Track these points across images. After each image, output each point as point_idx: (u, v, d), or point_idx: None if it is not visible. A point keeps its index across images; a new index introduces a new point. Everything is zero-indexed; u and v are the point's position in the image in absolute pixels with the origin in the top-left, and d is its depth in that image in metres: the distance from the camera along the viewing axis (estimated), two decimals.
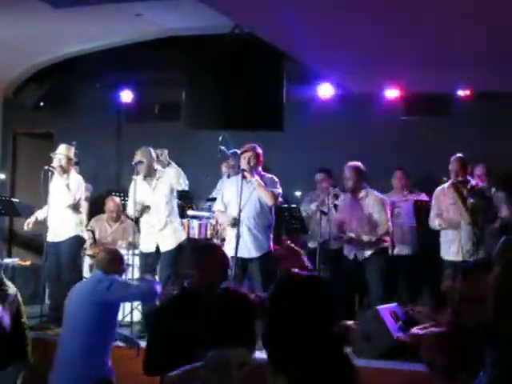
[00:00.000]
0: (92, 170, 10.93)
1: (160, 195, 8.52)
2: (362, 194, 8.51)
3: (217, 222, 9.02)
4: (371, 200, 8.48)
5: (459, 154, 8.25)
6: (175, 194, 8.80)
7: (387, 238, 8.51)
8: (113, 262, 6.02)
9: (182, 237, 8.69)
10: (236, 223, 7.87)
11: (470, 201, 8.02)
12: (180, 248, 8.51)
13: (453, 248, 8.16)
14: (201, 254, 4.78)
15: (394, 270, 9.12)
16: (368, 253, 8.32)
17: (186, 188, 9.82)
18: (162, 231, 8.52)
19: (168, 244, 8.48)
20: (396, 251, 9.17)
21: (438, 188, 8.47)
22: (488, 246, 7.62)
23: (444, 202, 8.31)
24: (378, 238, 8.36)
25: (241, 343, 3.07)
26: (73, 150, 8.93)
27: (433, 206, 8.43)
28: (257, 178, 7.96)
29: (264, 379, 2.61)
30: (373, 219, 8.40)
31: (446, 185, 8.36)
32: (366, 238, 8.34)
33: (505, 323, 2.91)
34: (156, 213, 8.53)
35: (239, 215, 7.86)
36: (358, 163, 8.53)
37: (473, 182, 8.27)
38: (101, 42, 9.99)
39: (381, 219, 8.42)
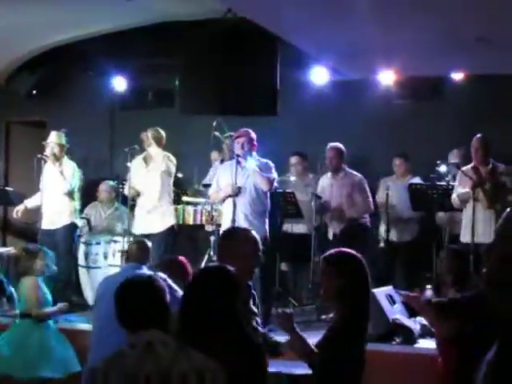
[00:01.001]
0: (85, 157, 10.89)
1: (152, 179, 8.52)
2: (342, 174, 8.77)
3: (212, 208, 8.99)
4: (351, 180, 8.72)
5: (479, 135, 8.08)
6: (170, 179, 8.77)
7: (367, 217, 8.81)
8: (145, 253, 6.04)
9: (171, 222, 8.64)
10: (239, 191, 7.86)
11: (487, 186, 7.90)
12: (167, 233, 8.45)
13: (467, 230, 8.04)
14: None
15: (393, 257, 9.14)
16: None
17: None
18: (150, 214, 8.51)
19: (155, 227, 8.45)
20: (396, 238, 9.18)
21: (463, 168, 8.21)
22: None
23: (464, 184, 8.13)
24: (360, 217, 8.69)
25: None
26: (64, 137, 8.92)
27: (456, 187, 8.29)
28: (251, 163, 7.93)
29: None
30: (353, 198, 8.62)
31: (469, 166, 8.14)
32: (347, 212, 8.59)
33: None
34: (147, 196, 8.54)
35: (234, 200, 7.85)
36: (340, 144, 8.73)
37: (491, 165, 8.10)
38: (93, 29, 9.92)
39: (361, 198, 8.64)
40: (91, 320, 6.37)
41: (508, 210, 2.61)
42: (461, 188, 8.15)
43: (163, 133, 8.87)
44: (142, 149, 9.01)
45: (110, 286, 5.82)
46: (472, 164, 8.14)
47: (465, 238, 8.09)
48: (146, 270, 5.61)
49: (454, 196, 8.24)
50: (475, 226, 7.88)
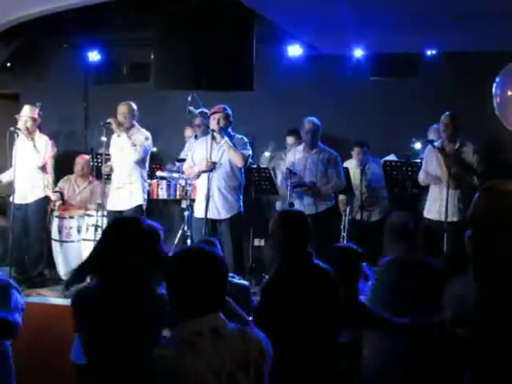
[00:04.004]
0: (58, 130, 10.83)
1: (124, 155, 8.44)
2: (317, 149, 8.68)
3: (186, 183, 8.96)
4: (326, 155, 8.66)
5: (448, 113, 8.12)
6: (144, 155, 8.67)
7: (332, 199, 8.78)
8: None
9: (139, 201, 8.53)
10: (214, 167, 7.88)
11: (453, 168, 7.95)
12: (135, 211, 8.33)
13: (434, 207, 8.16)
14: None
15: (370, 236, 9.16)
16: (320, 209, 8.49)
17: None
18: (119, 190, 8.45)
19: (123, 204, 8.37)
20: (373, 217, 9.23)
21: (430, 147, 8.29)
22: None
23: (431, 163, 8.23)
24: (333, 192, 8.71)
25: None
26: (37, 111, 8.85)
27: (423, 163, 8.36)
28: (226, 139, 7.93)
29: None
30: (326, 174, 8.57)
31: (436, 144, 8.18)
32: (322, 188, 8.55)
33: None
34: (118, 172, 8.48)
35: (209, 176, 7.86)
36: (316, 119, 8.67)
37: (459, 143, 8.16)
38: (67, 2, 9.81)
39: (334, 174, 8.61)
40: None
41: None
42: (425, 166, 8.27)
43: (135, 107, 8.73)
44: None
45: None
46: (439, 142, 8.21)
47: (429, 214, 8.18)
48: None
49: (421, 174, 8.32)
50: (441, 204, 8.01)
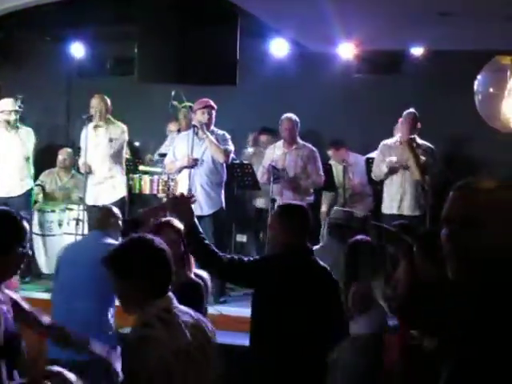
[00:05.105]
0: (40, 123, 10.74)
1: (102, 149, 8.42)
2: (296, 145, 8.66)
3: (168, 177, 8.94)
4: (305, 151, 8.64)
5: (411, 110, 8.22)
6: (122, 149, 8.65)
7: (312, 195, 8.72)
8: (107, 220, 5.80)
9: (122, 193, 8.52)
10: (196, 164, 7.87)
11: (423, 159, 8.02)
12: (118, 204, 8.28)
13: (395, 202, 8.19)
14: None
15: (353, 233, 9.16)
16: None
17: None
18: (100, 185, 8.42)
19: (104, 199, 8.33)
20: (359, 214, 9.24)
21: (384, 142, 8.42)
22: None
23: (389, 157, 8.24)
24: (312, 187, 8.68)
25: None
26: (18, 103, 8.80)
27: (376, 158, 8.39)
28: (208, 135, 7.92)
29: None
30: (306, 170, 8.55)
31: (393, 140, 8.33)
32: (303, 183, 8.53)
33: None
34: (99, 167, 8.45)
35: (191, 171, 7.84)
36: (294, 115, 8.64)
37: (419, 140, 8.24)
38: None
39: (315, 170, 8.58)
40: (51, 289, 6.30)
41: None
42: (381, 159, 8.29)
43: (108, 100, 8.70)
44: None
45: (70, 254, 5.80)
46: (397, 138, 8.31)
47: (390, 209, 8.22)
48: (110, 239, 5.50)
49: (376, 168, 8.34)
50: (402, 198, 8.11)
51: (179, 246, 4.56)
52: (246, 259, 4.54)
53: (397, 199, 8.17)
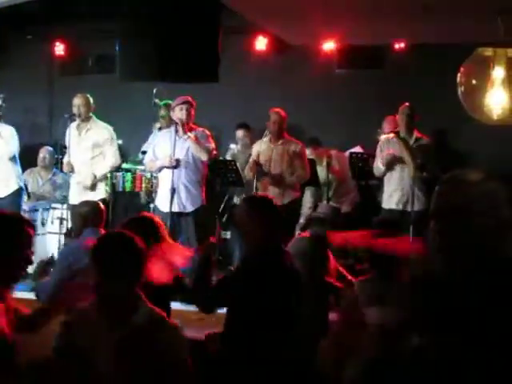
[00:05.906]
0: (22, 122, 10.69)
1: (84, 149, 8.38)
2: (282, 140, 8.63)
3: (152, 175, 8.91)
4: (291, 146, 8.61)
5: (407, 104, 8.19)
6: (105, 152, 8.59)
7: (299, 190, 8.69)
8: (101, 216, 5.84)
9: (102, 194, 8.48)
10: (177, 165, 7.84)
11: (417, 154, 7.99)
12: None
13: (394, 197, 8.19)
14: None
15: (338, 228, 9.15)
16: (285, 201, 8.42)
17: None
18: (83, 184, 8.39)
19: (88, 197, 8.28)
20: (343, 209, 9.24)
21: (383, 137, 8.42)
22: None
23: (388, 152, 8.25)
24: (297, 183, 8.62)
25: None
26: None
27: (377, 155, 8.38)
28: (190, 135, 7.91)
29: None
30: (292, 165, 8.52)
31: (391, 135, 8.32)
32: (287, 179, 8.49)
33: None
34: (84, 169, 8.41)
35: (173, 172, 7.83)
36: (281, 110, 8.62)
37: (416, 134, 8.24)
38: None
39: (301, 166, 8.56)
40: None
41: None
42: (381, 158, 8.27)
43: (91, 99, 8.66)
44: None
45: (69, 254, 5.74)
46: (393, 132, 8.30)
47: (389, 204, 8.22)
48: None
49: (376, 164, 8.33)
50: (402, 193, 8.09)
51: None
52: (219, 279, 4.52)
53: (396, 194, 8.17)
